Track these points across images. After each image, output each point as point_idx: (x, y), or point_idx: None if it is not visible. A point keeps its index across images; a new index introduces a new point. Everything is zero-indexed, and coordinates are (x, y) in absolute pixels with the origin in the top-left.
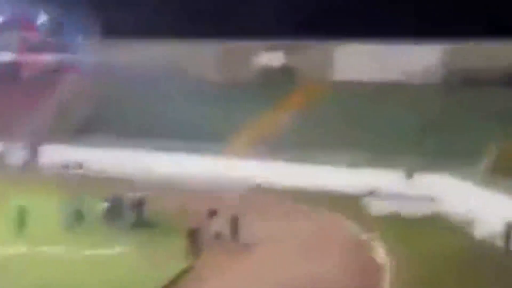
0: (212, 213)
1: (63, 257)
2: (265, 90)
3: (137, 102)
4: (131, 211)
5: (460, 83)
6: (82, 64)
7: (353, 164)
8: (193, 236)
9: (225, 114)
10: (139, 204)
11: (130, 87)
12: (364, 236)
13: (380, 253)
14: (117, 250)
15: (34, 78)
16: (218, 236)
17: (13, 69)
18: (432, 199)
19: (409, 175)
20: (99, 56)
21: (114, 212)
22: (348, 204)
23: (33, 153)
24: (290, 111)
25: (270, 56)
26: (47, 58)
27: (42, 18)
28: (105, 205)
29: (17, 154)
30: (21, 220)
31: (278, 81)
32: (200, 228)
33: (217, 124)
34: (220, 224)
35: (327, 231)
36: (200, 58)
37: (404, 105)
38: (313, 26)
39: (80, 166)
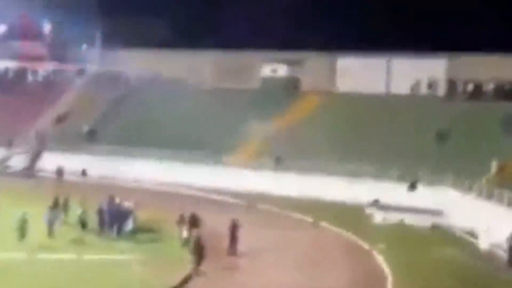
0: (193, 221)
1: (63, 264)
2: (268, 101)
3: (140, 112)
4: (129, 219)
5: (465, 96)
6: (85, 73)
7: (357, 175)
8: (198, 245)
9: (228, 124)
10: (134, 212)
11: (132, 97)
12: (367, 247)
13: (383, 264)
14: (118, 257)
15: (37, 86)
16: (185, 242)
17: (16, 77)
18: (435, 211)
19: (413, 187)
20: (103, 65)
21: (112, 219)
22: (351, 214)
23: (35, 160)
24: (293, 122)
25: (274, 67)
26: (50, 66)
27: (46, 28)
28: (103, 212)
29: (18, 161)
30: (22, 227)
31: (282, 92)
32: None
33: (220, 134)
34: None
35: (329, 242)
36: (203, 68)
37: (409, 117)
38: (318, 38)
39: (84, 173)
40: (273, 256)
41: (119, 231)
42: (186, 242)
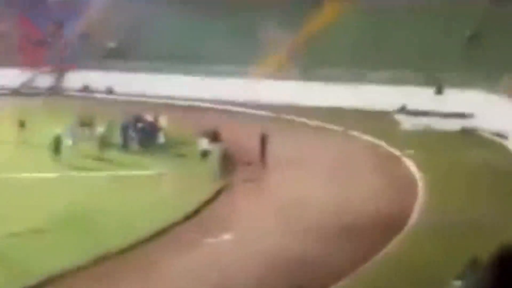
0: (214, 135)
1: (93, 180)
2: (291, 9)
3: (164, 27)
4: (156, 134)
5: None
6: None
7: (384, 81)
8: (224, 158)
9: (252, 36)
10: (161, 128)
11: (155, 13)
12: (397, 153)
13: (414, 170)
14: (146, 172)
15: (58, 4)
16: (203, 154)
17: None
18: (464, 115)
19: (440, 91)
20: None
21: (139, 134)
22: (379, 122)
23: (60, 79)
24: (317, 30)
25: None
26: None
27: None
28: (129, 128)
29: (44, 81)
30: (56, 147)
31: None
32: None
33: (244, 46)
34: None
35: (359, 150)
36: None
37: (436, 20)
38: None
39: (109, 90)
40: (303, 166)
41: (147, 146)
42: (204, 154)
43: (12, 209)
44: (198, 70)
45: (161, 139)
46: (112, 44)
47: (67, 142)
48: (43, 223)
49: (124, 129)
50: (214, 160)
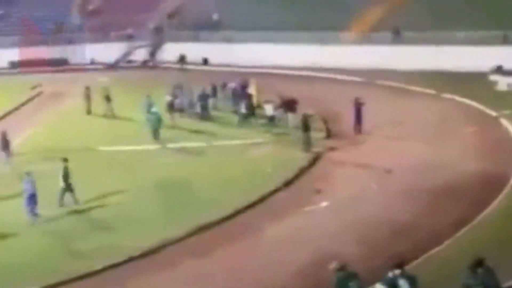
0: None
1: (190, 151)
2: None
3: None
4: (242, 103)
5: None
6: None
7: (478, 42)
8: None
9: (341, 2)
10: (250, 96)
11: None
12: (493, 114)
13: (511, 130)
14: (240, 141)
15: None
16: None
17: None
18: None
19: None
20: None
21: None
22: (474, 83)
23: (155, 52)
24: None
25: None
26: None
27: None
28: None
29: (140, 54)
30: (156, 129)
31: None
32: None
33: (335, 10)
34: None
35: (454, 112)
36: None
37: None
38: None
39: (205, 61)
40: (399, 130)
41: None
42: (270, 120)
43: (112, 181)
44: (290, 37)
45: (243, 109)
46: (215, 16)
47: (159, 113)
48: (143, 195)
49: (201, 98)
50: (296, 127)
